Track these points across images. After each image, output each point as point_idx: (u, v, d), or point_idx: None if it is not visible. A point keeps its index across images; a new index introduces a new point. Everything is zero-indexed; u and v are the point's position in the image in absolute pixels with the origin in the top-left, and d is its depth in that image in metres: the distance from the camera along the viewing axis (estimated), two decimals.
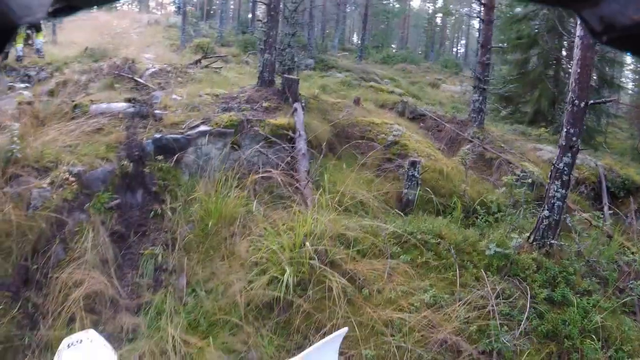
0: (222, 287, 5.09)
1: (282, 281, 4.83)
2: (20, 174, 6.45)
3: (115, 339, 4.92)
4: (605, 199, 9.06)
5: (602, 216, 7.31)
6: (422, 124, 10.25)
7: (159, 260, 5.71)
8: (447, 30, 44.01)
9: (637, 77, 27.18)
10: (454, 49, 44.96)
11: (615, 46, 0.49)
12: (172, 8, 35.95)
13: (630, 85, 33.05)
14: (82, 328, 4.86)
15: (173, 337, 4.58)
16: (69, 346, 2.47)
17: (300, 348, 4.64)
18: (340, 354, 4.53)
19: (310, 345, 4.55)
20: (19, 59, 12.18)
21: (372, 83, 14.38)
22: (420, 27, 40.78)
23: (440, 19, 42.64)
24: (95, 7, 0.70)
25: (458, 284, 5.12)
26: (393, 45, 37.05)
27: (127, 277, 5.67)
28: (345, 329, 2.44)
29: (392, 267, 5.19)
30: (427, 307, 4.81)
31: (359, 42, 25.40)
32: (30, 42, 13.44)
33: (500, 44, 14.57)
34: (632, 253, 6.65)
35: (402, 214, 6.34)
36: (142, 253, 5.85)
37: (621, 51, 0.51)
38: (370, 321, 4.66)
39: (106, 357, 2.45)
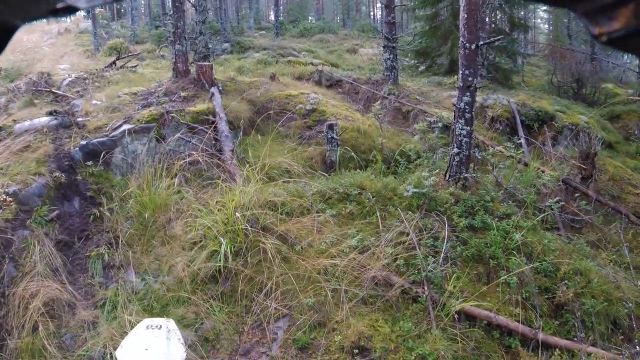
0: (167, 269, 5.51)
1: (220, 253, 5.27)
2: None
3: (77, 337, 5.35)
4: (520, 132, 9.77)
5: (515, 147, 7.85)
6: (339, 90, 10.72)
7: (105, 259, 6.03)
8: None
9: (551, 17, 28.37)
10: (371, 14, 45.22)
11: (617, 47, 0.50)
12: (81, 13, 35.03)
13: (545, 26, 34.54)
14: (46, 333, 5.21)
15: (130, 321, 5.02)
16: (147, 327, 2.75)
17: (249, 311, 5.17)
18: (284, 307, 5.09)
19: (256, 306, 5.10)
20: None
21: (290, 58, 14.70)
22: None
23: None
24: (94, 6, 0.72)
25: (381, 226, 5.65)
26: (310, 18, 37.02)
27: (79, 280, 5.99)
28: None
29: (319, 222, 5.69)
30: (355, 251, 5.29)
31: (274, 19, 25.40)
32: None
33: (404, 3, 15.00)
34: (549, 175, 7.26)
35: (326, 174, 6.81)
36: (89, 255, 6.15)
37: (624, 52, 0.53)
38: (306, 272, 5.13)
39: (176, 349, 2.67)
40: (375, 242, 5.47)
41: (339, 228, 5.63)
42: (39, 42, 19.88)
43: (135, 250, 5.94)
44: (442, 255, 5.35)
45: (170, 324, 2.89)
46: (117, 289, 5.59)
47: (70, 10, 0.52)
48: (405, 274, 5.18)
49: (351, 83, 10.61)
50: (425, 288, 5.07)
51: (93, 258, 6.10)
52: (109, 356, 4.78)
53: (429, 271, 5.14)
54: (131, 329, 4.93)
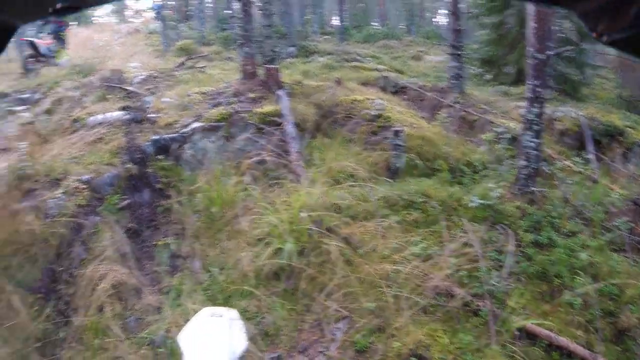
0: (232, 263, 5.71)
1: (285, 251, 5.44)
2: (35, 188, 7.08)
3: (141, 320, 5.61)
4: (589, 147, 9.54)
5: (584, 162, 7.68)
6: (404, 96, 10.76)
7: (172, 249, 6.32)
8: (426, 2, 43.87)
9: None
10: (435, 20, 44.86)
11: (618, 47, 0.50)
12: (150, 15, 36.34)
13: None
14: (112, 314, 5.51)
15: (194, 309, 5.22)
16: (210, 315, 2.85)
17: (309, 310, 5.29)
18: (344, 308, 5.18)
19: (317, 306, 5.20)
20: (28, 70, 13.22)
21: (354, 63, 14.76)
22: (398, 1, 40.67)
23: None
24: (96, 6, 0.72)
25: (445, 236, 5.67)
26: (374, 23, 36.99)
27: (146, 267, 6.29)
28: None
29: (383, 227, 5.77)
30: (418, 258, 5.33)
31: (339, 24, 25.44)
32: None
33: (473, 10, 14.89)
34: (618, 193, 7.00)
35: (390, 180, 6.89)
36: (156, 244, 6.45)
37: (624, 52, 0.52)
38: (368, 276, 5.19)
39: (238, 338, 2.75)
40: (438, 252, 5.49)
41: (402, 234, 5.69)
42: (109, 41, 20.70)
43: (202, 243, 6.19)
44: (505, 269, 5.31)
45: (232, 313, 2.93)
46: (182, 278, 5.84)
47: (70, 10, 0.52)
48: (467, 286, 5.16)
49: (416, 90, 10.65)
50: (487, 302, 5.04)
51: (160, 247, 6.39)
52: (170, 341, 4.96)
53: (491, 285, 5.11)
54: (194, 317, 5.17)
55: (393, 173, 7.14)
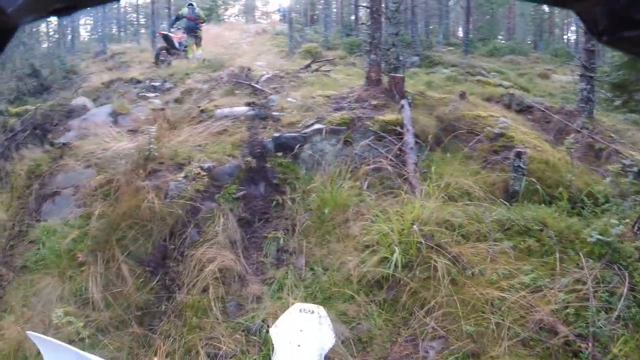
0: (337, 265, 5.84)
1: (391, 261, 5.46)
2: (159, 169, 7.65)
3: (241, 306, 5.85)
4: None
5: None
6: (529, 116, 10.36)
7: (280, 243, 6.58)
8: (556, 18, 42.03)
9: None
10: (564, 37, 42.75)
11: (616, 47, 0.49)
12: (278, 17, 37.88)
13: None
14: (215, 296, 5.80)
15: (293, 304, 5.37)
16: (300, 311, 2.95)
17: (406, 324, 5.27)
18: (442, 328, 5.10)
19: (415, 321, 5.17)
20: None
21: (478, 77, 14.47)
22: (527, 15, 39.25)
23: (547, 6, 40.31)
24: (94, 6, 0.72)
25: (558, 269, 5.42)
26: (500, 37, 35.92)
27: (253, 256, 6.59)
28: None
29: (495, 251, 5.62)
30: (526, 288, 5.13)
31: (464, 36, 24.90)
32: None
33: None
34: None
35: (507, 203, 6.66)
36: (266, 236, 6.75)
37: (622, 52, 0.53)
38: (472, 299, 5.08)
39: (328, 333, 2.83)
40: (548, 284, 5.25)
41: (514, 261, 5.51)
42: (238, 39, 21.74)
43: (310, 241, 6.37)
44: (615, 313, 5.00)
45: (321, 310, 2.98)
46: (287, 272, 6.07)
47: (70, 10, 0.52)
48: (572, 325, 4.90)
49: (542, 111, 10.25)
50: (590, 344, 4.77)
51: (269, 239, 6.67)
52: (265, 331, 5.12)
53: (597, 327, 4.83)
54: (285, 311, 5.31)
55: (511, 196, 6.92)
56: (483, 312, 5.00)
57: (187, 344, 5.37)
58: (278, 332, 2.84)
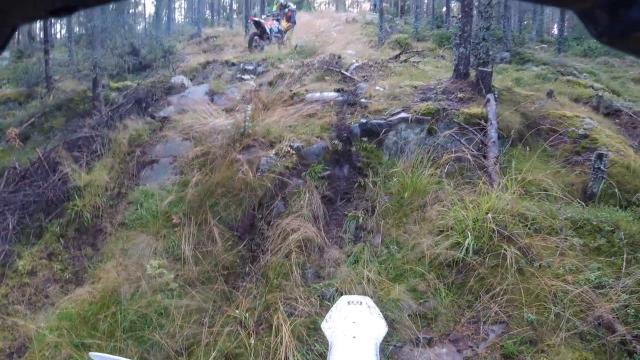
0: (411, 245, 6.34)
1: (463, 246, 5.89)
2: (252, 145, 8.44)
3: (318, 274, 6.49)
4: None
5: None
6: (616, 120, 10.21)
7: (359, 221, 7.16)
8: None
9: None
10: None
11: (616, 47, 0.51)
12: (368, 6, 38.22)
13: None
14: (296, 263, 6.45)
15: (368, 277, 5.95)
16: (349, 303, 2.95)
17: (470, 306, 5.69)
18: (504, 313, 5.45)
19: (479, 304, 5.57)
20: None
21: (569, 77, 14.26)
22: None
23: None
24: (94, 6, 0.74)
25: (624, 270, 5.48)
26: None
27: (333, 231, 7.21)
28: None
29: (564, 246, 5.87)
30: (590, 285, 5.33)
31: (558, 33, 24.12)
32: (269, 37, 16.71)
33: None
34: None
35: (583, 204, 6.81)
36: (346, 215, 7.36)
37: (623, 52, 0.54)
38: (536, 289, 5.37)
39: (379, 322, 2.84)
40: (612, 283, 5.47)
41: (582, 258, 5.76)
42: (328, 28, 22.27)
43: (387, 222, 6.87)
44: None
45: (368, 300, 2.96)
46: (363, 248, 6.60)
47: (70, 10, 0.53)
48: (630, 325, 5.07)
49: (631, 115, 10.18)
50: None
51: (349, 217, 7.27)
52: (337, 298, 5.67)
53: None
54: (368, 283, 5.87)
55: (588, 197, 7.08)
56: (545, 302, 5.27)
57: (267, 302, 6.05)
58: (330, 327, 2.82)
